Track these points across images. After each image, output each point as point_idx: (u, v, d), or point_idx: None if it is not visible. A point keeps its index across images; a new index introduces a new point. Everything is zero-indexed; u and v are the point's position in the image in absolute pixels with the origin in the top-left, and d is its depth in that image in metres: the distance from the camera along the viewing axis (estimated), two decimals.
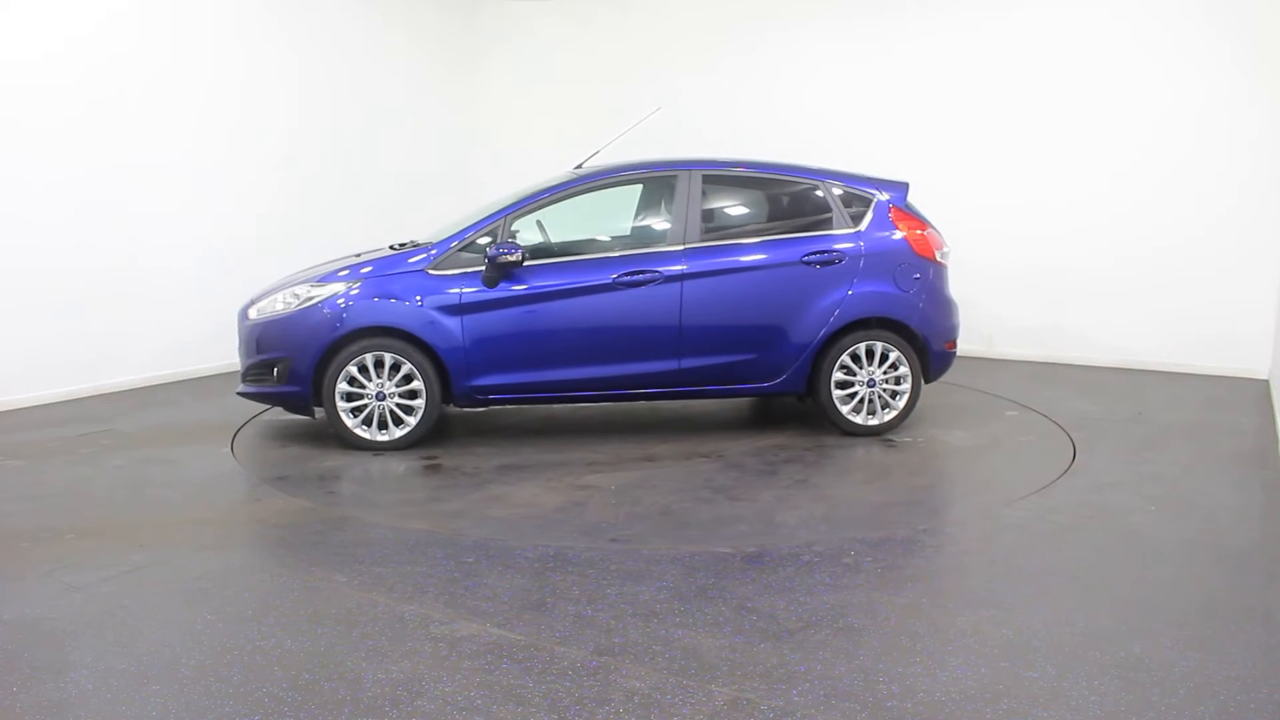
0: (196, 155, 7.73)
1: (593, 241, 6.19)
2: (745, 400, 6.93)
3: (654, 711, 2.80)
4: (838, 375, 5.88)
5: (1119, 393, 7.30)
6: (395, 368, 5.63)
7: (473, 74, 10.61)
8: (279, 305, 5.79)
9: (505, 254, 5.58)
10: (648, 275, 5.71)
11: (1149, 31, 7.95)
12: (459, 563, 3.96)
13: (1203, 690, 2.93)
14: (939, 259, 6.02)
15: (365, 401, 5.65)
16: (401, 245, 6.08)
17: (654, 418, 6.56)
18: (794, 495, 4.86)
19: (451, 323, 5.62)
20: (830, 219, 5.94)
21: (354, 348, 5.60)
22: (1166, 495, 4.88)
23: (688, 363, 5.79)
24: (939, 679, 2.99)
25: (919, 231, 5.97)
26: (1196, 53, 7.77)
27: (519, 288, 5.66)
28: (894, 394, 5.96)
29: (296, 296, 5.76)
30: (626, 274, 5.71)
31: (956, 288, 6.26)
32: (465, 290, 5.64)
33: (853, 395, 5.93)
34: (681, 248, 5.78)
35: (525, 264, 5.68)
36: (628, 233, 6.22)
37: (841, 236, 5.89)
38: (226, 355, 7.38)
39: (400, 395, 5.66)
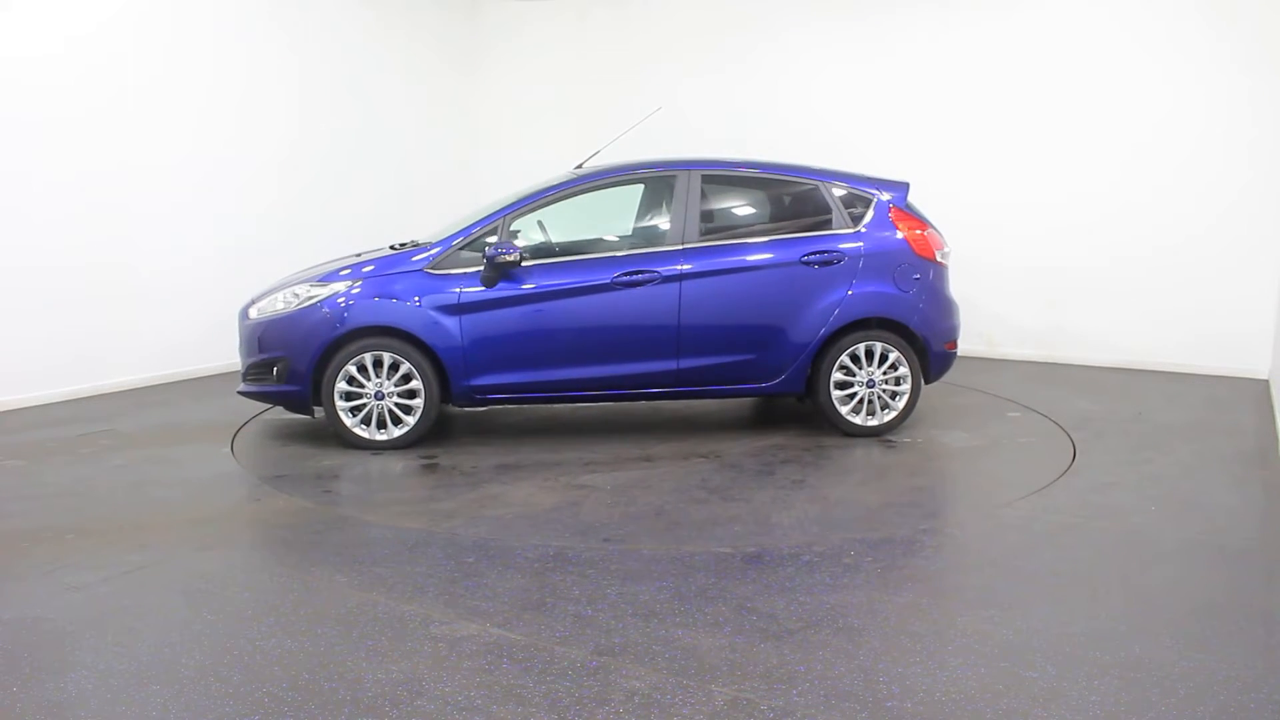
0: (197, 155, 7.73)
1: (591, 241, 6.19)
2: (745, 401, 6.93)
3: (654, 711, 2.80)
4: (837, 376, 5.87)
5: (1119, 393, 7.30)
6: (394, 367, 5.63)
7: (473, 74, 10.61)
8: (279, 305, 5.80)
9: (503, 254, 5.58)
10: (646, 275, 5.71)
11: (1149, 31, 7.95)
12: (459, 563, 3.96)
13: (1203, 690, 2.93)
14: (939, 259, 6.01)
15: (364, 401, 5.66)
16: (402, 245, 6.08)
17: (654, 418, 6.56)
18: (790, 496, 4.85)
19: (450, 322, 5.62)
20: (830, 219, 5.93)
21: (353, 347, 5.61)
22: (1166, 495, 4.88)
23: (686, 363, 5.79)
24: (939, 679, 3.00)
25: (919, 232, 5.96)
26: (1196, 53, 7.78)
27: (517, 287, 5.66)
28: (894, 394, 5.95)
29: (296, 296, 5.77)
30: (625, 274, 5.70)
31: (957, 287, 6.26)
32: (464, 290, 5.64)
33: (852, 396, 5.93)
34: (680, 248, 5.78)
35: (524, 264, 5.69)
36: (627, 233, 6.21)
37: (841, 236, 5.89)
38: (226, 355, 7.39)
39: (399, 395, 5.66)
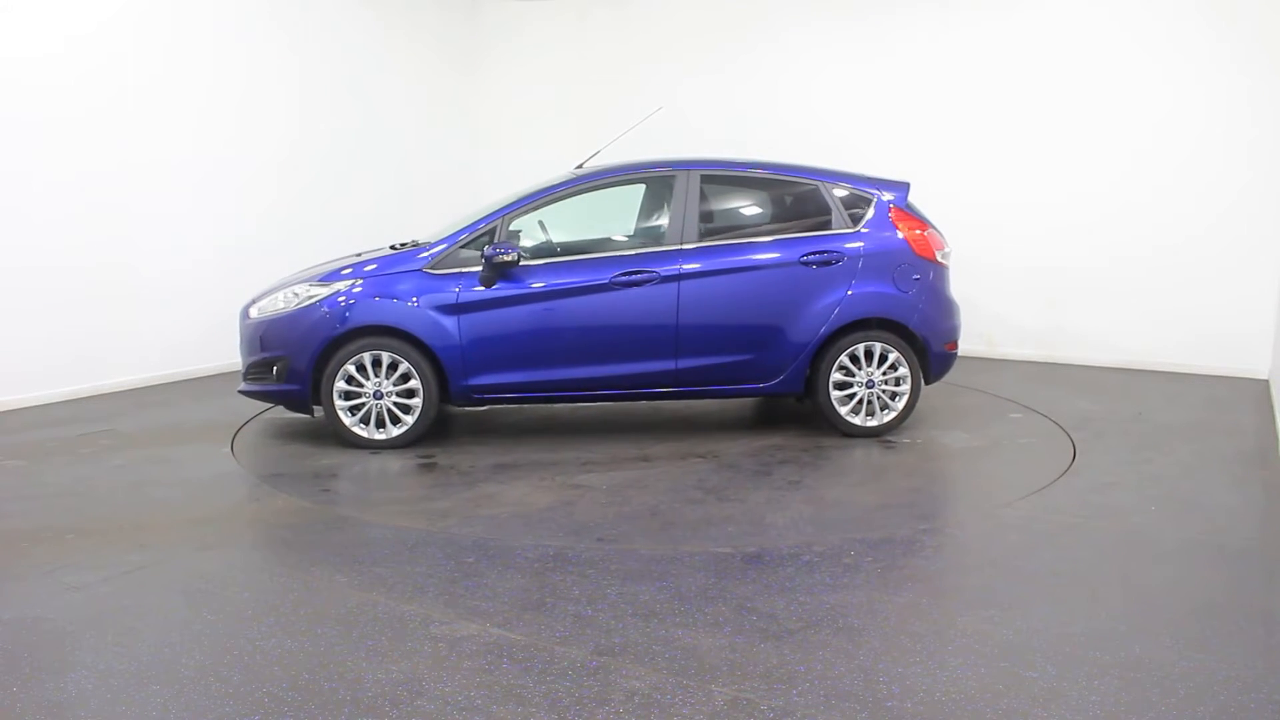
0: (197, 155, 7.73)
1: (590, 241, 6.19)
2: (746, 401, 6.93)
3: (654, 711, 2.80)
4: (836, 376, 5.87)
5: (1119, 393, 7.30)
6: (393, 366, 5.64)
7: (473, 74, 10.61)
8: (279, 304, 5.82)
9: (501, 254, 5.58)
10: (645, 275, 5.71)
11: (1149, 31, 7.95)
12: (459, 563, 3.96)
13: (1203, 690, 2.93)
14: (940, 259, 6.01)
15: (363, 400, 5.66)
16: (403, 245, 6.08)
17: (653, 418, 6.56)
18: (785, 496, 4.85)
19: (449, 322, 5.62)
20: (830, 219, 5.93)
21: (352, 346, 5.62)
22: (1166, 495, 4.88)
23: (684, 363, 5.78)
24: (939, 679, 3.00)
25: (919, 232, 5.96)
26: (1196, 53, 7.78)
27: (516, 287, 5.66)
28: (893, 395, 5.95)
29: (296, 295, 5.78)
30: (623, 274, 5.70)
31: (957, 287, 6.25)
32: (462, 290, 5.64)
33: (851, 396, 5.92)
34: (679, 248, 5.78)
35: (522, 264, 5.69)
36: (625, 233, 6.22)
37: (841, 237, 5.88)
38: (226, 355, 7.39)
39: (398, 394, 5.67)
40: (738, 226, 6.10)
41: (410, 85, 9.88)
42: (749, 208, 6.21)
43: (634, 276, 5.70)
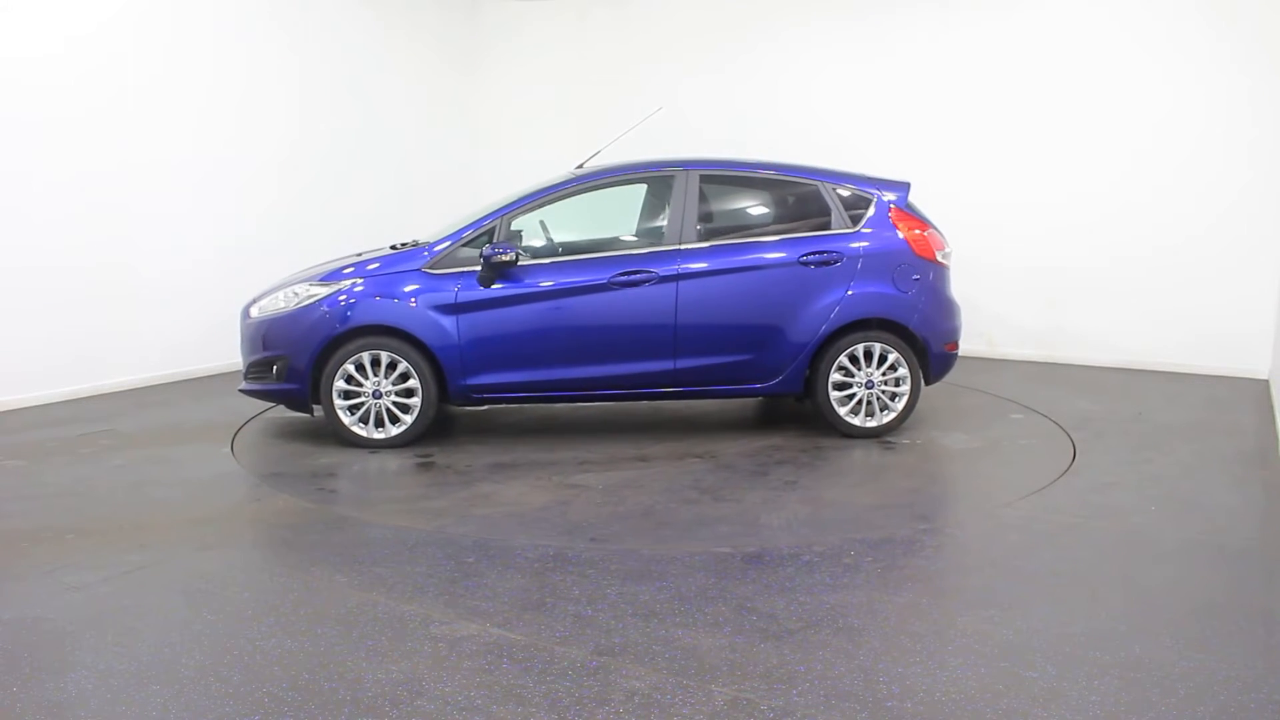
0: (197, 155, 7.73)
1: (589, 241, 6.19)
2: (746, 401, 6.93)
3: (654, 711, 2.80)
4: (836, 376, 5.86)
5: (1119, 393, 7.30)
6: (392, 366, 5.64)
7: (473, 74, 10.61)
8: (279, 303, 5.83)
9: (499, 254, 5.59)
10: (643, 275, 5.71)
11: (1149, 31, 7.95)
12: (459, 563, 3.96)
13: (1203, 690, 2.93)
14: (940, 260, 6.00)
15: (362, 399, 5.67)
16: (403, 245, 6.08)
17: (653, 418, 6.56)
18: (780, 497, 4.84)
19: (447, 322, 5.63)
20: (829, 219, 5.92)
21: (351, 346, 5.62)
22: (1166, 495, 4.88)
23: (683, 363, 5.78)
24: (939, 679, 3.00)
25: (919, 232, 5.95)
26: (1196, 53, 7.78)
27: (514, 287, 5.67)
28: (893, 396, 5.94)
29: (295, 295, 5.78)
30: (622, 274, 5.70)
31: (957, 287, 6.25)
32: (461, 289, 5.65)
33: (851, 397, 5.92)
34: (678, 248, 5.78)
35: (520, 263, 5.69)
36: (624, 233, 6.22)
37: (840, 237, 5.88)
38: (226, 355, 7.40)
39: (397, 393, 5.67)
40: (737, 227, 6.10)
41: (410, 85, 9.88)
42: (748, 208, 6.21)
43: (632, 276, 5.70)
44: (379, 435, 5.70)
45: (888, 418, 5.95)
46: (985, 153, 8.60)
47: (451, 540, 4.22)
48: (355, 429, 5.69)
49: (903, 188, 6.11)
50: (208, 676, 3.00)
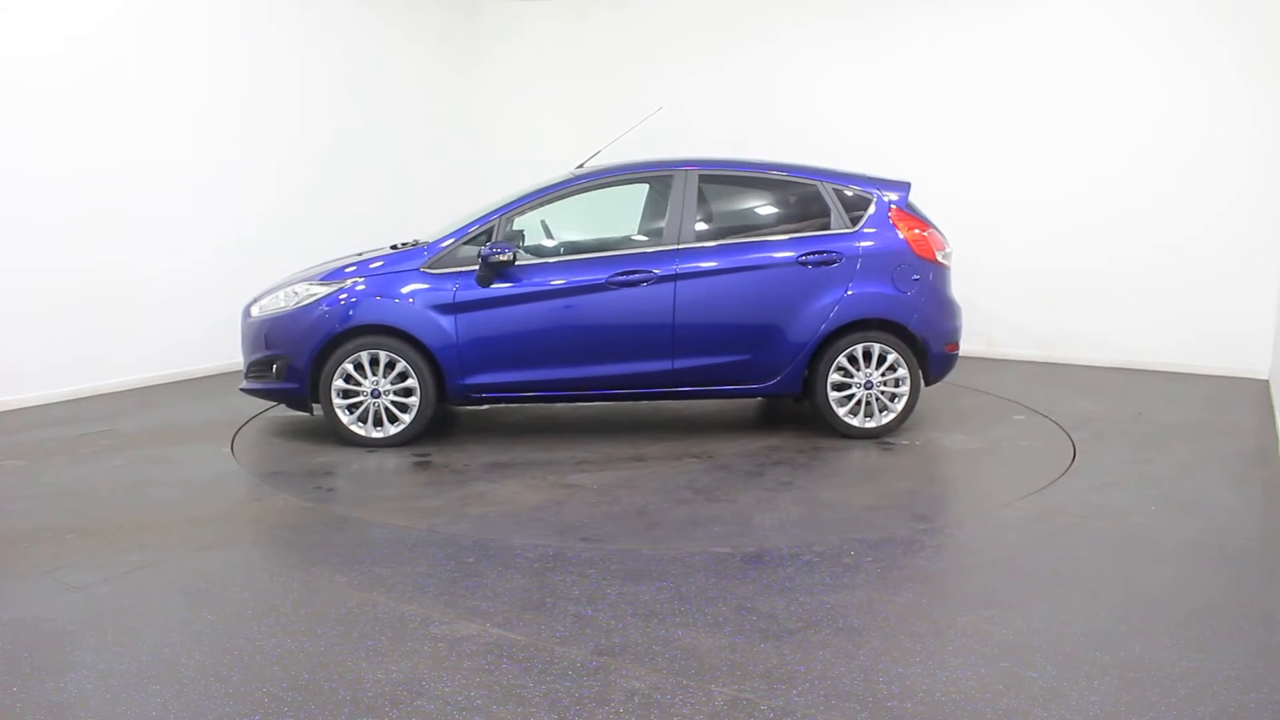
0: (197, 155, 7.73)
1: (587, 241, 6.19)
2: (746, 401, 6.92)
3: (654, 711, 2.80)
4: (835, 377, 5.86)
5: (1119, 393, 7.30)
6: (391, 365, 5.65)
7: (473, 73, 10.61)
8: (279, 303, 5.85)
9: (497, 253, 5.59)
10: (641, 275, 5.71)
11: (1149, 31, 7.95)
12: (459, 563, 3.96)
13: (1203, 690, 2.93)
14: (940, 260, 5.99)
15: (361, 398, 5.67)
16: (404, 245, 6.09)
17: (653, 418, 6.56)
18: (775, 497, 4.84)
19: (445, 321, 5.63)
20: (829, 219, 5.92)
21: (350, 345, 5.63)
22: (1166, 495, 4.88)
23: (681, 363, 5.78)
24: (939, 679, 3.00)
25: (919, 232, 5.94)
26: (1196, 53, 7.78)
27: (512, 287, 5.67)
28: (892, 396, 5.94)
29: (295, 294, 5.79)
30: (620, 274, 5.70)
31: (956, 287, 6.25)
32: (459, 289, 5.65)
33: (850, 397, 5.92)
34: (676, 247, 5.78)
35: (518, 263, 5.69)
36: (623, 232, 6.21)
37: (839, 237, 5.87)
38: (226, 355, 7.41)
39: (395, 393, 5.68)
40: (736, 226, 6.10)
41: (410, 85, 9.88)
42: (747, 208, 6.21)
43: (630, 276, 5.70)
44: (377, 434, 5.70)
45: (887, 418, 5.94)
46: (985, 153, 8.60)
47: (451, 540, 4.22)
48: (354, 428, 5.69)
49: (903, 188, 6.10)
50: (208, 676, 3.00)
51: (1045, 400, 6.94)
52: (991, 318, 8.63)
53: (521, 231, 5.99)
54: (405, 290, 5.66)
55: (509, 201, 5.91)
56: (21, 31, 6.51)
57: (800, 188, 6.03)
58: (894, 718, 2.78)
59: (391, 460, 5.51)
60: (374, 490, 5.05)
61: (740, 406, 6.88)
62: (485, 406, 6.45)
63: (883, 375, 5.90)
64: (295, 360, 5.67)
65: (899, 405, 5.94)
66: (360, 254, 6.32)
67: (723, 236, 5.93)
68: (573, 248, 6.09)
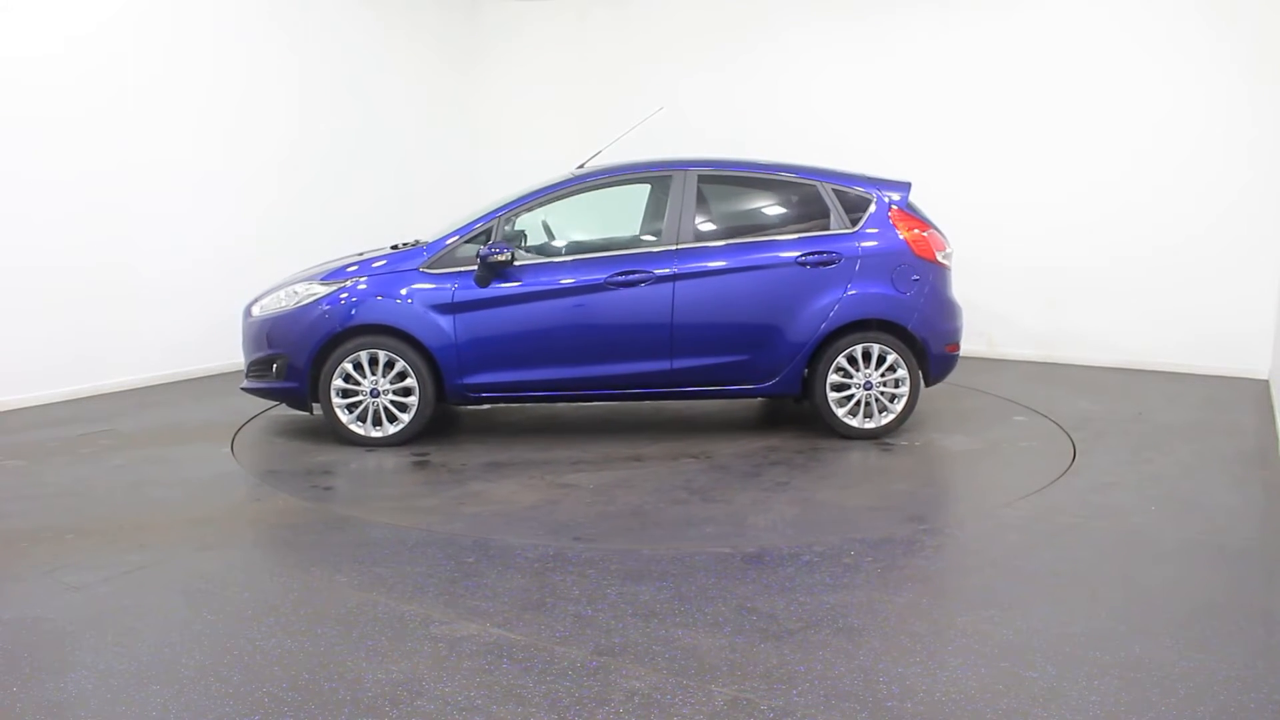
0: (197, 155, 7.73)
1: (586, 241, 6.19)
2: (746, 402, 6.92)
3: (654, 711, 2.80)
4: (834, 378, 5.85)
5: (1119, 393, 7.30)
6: (390, 365, 5.65)
7: (473, 73, 10.61)
8: (280, 302, 5.86)
9: (495, 253, 5.59)
10: (640, 275, 5.71)
11: (1149, 32, 7.95)
12: (459, 563, 3.96)
13: (1203, 690, 2.93)
14: (940, 260, 5.98)
15: (360, 398, 5.67)
16: (405, 244, 6.09)
17: (653, 418, 6.56)
18: (770, 498, 4.83)
19: (444, 321, 5.64)
20: (828, 219, 5.92)
21: (349, 345, 5.64)
22: (1166, 495, 4.88)
23: (680, 363, 5.77)
24: (939, 679, 3.00)
25: (919, 232, 5.94)
26: (1196, 53, 7.78)
27: (510, 287, 5.67)
28: (892, 397, 5.93)
29: (295, 294, 5.80)
30: (619, 274, 5.70)
31: (957, 287, 6.24)
32: (458, 289, 5.66)
33: (849, 398, 5.91)
34: (675, 247, 5.77)
35: (517, 263, 5.69)
36: (622, 232, 6.21)
37: (838, 237, 5.87)
38: (226, 355, 7.41)
39: (395, 392, 5.68)
40: (735, 227, 6.08)
41: (410, 85, 9.88)
42: (747, 208, 6.20)
43: (629, 276, 5.70)
44: (376, 434, 5.71)
45: (886, 419, 5.94)
46: (985, 153, 8.60)
47: (451, 540, 4.22)
48: (353, 427, 5.70)
49: (903, 188, 6.09)
50: (208, 676, 3.00)
51: (1045, 400, 6.94)
52: (991, 318, 8.62)
53: (522, 231, 6.00)
54: (405, 290, 5.67)
55: (508, 201, 5.91)
56: (21, 31, 6.51)
57: (800, 188, 6.03)
58: (894, 718, 2.78)
59: (390, 460, 5.51)
60: (373, 490, 5.05)
61: (739, 407, 6.88)
62: (484, 406, 6.45)
63: (882, 376, 5.90)
64: (295, 360, 5.67)
65: (898, 406, 5.93)
66: (361, 254, 6.32)
67: (722, 237, 5.92)
68: (572, 248, 6.09)
